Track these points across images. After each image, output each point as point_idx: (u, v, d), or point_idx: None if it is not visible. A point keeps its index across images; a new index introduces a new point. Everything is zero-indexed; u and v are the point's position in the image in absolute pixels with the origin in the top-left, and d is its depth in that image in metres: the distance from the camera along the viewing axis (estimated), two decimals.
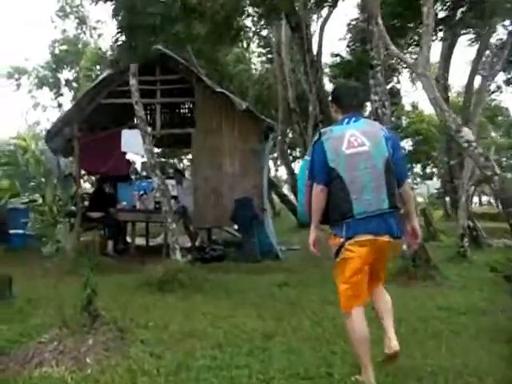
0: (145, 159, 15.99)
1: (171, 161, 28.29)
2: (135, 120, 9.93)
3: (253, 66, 28.66)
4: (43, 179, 5.66)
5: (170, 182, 13.42)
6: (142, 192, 13.08)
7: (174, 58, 12.28)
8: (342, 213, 4.26)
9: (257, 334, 5.94)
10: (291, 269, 10.74)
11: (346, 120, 4.49)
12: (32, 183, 5.73)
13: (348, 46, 20.23)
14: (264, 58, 28.23)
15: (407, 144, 39.73)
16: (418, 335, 6.00)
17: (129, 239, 13.80)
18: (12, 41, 74.31)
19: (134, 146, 11.75)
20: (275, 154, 27.72)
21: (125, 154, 13.14)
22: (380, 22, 8.98)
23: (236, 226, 12.51)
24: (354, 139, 4.32)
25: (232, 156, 12.35)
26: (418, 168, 44.09)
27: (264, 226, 12.10)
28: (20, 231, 13.58)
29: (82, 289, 5.82)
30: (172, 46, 11.39)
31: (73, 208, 11.93)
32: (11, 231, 13.63)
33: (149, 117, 15.36)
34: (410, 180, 5.29)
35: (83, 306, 5.59)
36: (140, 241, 14.56)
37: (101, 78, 12.25)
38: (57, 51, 36.65)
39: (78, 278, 8.98)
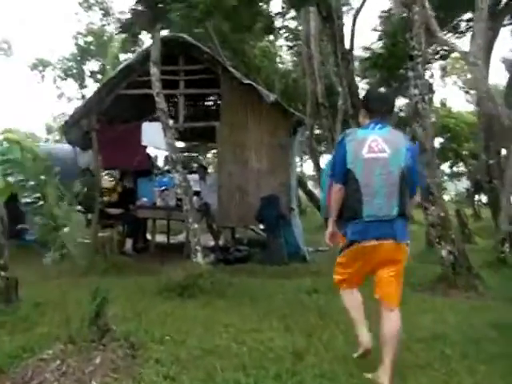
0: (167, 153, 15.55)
1: (194, 155, 27.66)
2: (156, 112, 9.30)
3: (279, 60, 27.95)
4: (43, 177, 5.01)
5: (193, 177, 12.95)
6: (163, 188, 12.46)
7: (199, 46, 11.66)
8: (353, 213, 4.49)
9: (285, 353, 5.27)
10: (320, 272, 10.02)
11: (372, 125, 4.63)
12: (31, 182, 5.06)
13: (380, 39, 19.42)
14: (292, 51, 27.46)
15: (436, 141, 38.80)
16: (469, 360, 5.21)
17: (149, 236, 13.20)
18: (38, 34, 74.46)
19: (155, 139, 11.15)
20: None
21: (145, 147, 12.49)
22: (427, 5, 8.21)
23: (261, 226, 11.82)
24: (375, 145, 4.48)
25: (258, 151, 11.68)
26: (445, 166, 43.10)
27: (291, 226, 11.42)
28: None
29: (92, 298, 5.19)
30: (195, 28, 10.70)
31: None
32: (22, 226, 13.05)
33: (171, 109, 14.80)
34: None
35: (91, 318, 4.92)
36: (161, 238, 13.93)
37: (121, 67, 11.60)
38: (81, 42, 36.34)
39: (92, 279, 8.64)
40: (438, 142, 38.84)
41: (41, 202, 4.96)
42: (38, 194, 5.00)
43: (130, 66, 11.37)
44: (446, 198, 43.13)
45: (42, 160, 5.02)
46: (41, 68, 39.14)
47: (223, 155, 11.76)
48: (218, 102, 14.13)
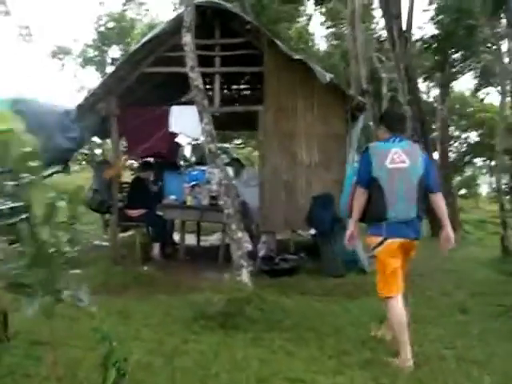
0: (197, 141, 13.63)
1: (225, 145, 25.88)
2: (188, 94, 7.51)
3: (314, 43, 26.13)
4: (30, 175, 3.04)
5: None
6: (193, 183, 10.63)
7: (239, 16, 9.77)
8: (378, 216, 5.14)
9: None
10: None
11: (393, 139, 5.34)
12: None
13: (432, 19, 17.40)
14: (329, 33, 25.55)
15: (472, 135, 37.02)
16: None
17: (176, 237, 11.36)
18: (59, 21, 73.51)
19: (186, 125, 9.27)
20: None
21: (174, 135, 10.53)
22: None
23: (312, 231, 9.88)
24: (397, 156, 5.17)
25: (309, 142, 9.78)
26: (480, 161, 41.34)
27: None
28: None
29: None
30: None
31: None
32: None
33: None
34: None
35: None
36: (190, 239, 12.16)
37: (145, 39, 9.70)
38: (102, 29, 35.18)
39: (107, 300, 6.82)
40: (474, 135, 37.17)
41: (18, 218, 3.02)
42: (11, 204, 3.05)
43: (157, 38, 9.49)
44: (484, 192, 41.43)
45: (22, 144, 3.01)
46: (61, 56, 38.40)
47: (267, 146, 9.82)
48: (259, 87, 12.23)
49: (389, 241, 5.10)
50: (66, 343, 5.19)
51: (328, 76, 9.25)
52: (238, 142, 31.72)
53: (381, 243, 5.14)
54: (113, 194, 9.78)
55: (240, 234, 7.01)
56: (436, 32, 16.17)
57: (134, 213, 10.29)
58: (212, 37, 9.90)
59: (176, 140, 11.72)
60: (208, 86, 10.58)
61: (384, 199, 5.07)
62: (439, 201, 5.33)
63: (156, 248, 10.27)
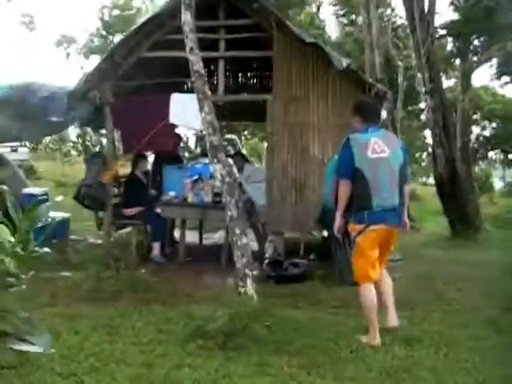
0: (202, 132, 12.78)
1: (230, 137, 24.95)
2: (191, 80, 6.68)
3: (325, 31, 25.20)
4: None
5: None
6: (195, 177, 9.74)
7: None
8: (364, 205, 5.34)
9: None
10: (411, 301, 7.35)
11: (369, 129, 5.56)
12: None
13: (452, 3, 16.43)
14: (341, 21, 24.60)
15: (489, 127, 36.12)
16: None
17: (177, 235, 10.53)
18: (63, 9, 72.98)
19: (186, 115, 8.39)
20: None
21: (174, 126, 9.61)
22: None
23: (325, 232, 8.97)
24: (377, 146, 5.36)
25: (323, 135, 8.87)
26: (496, 153, 40.49)
27: None
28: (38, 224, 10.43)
29: None
30: None
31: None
32: None
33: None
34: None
35: None
36: (192, 236, 11.32)
37: (143, 20, 8.83)
38: (106, 17, 34.48)
39: (94, 310, 6.47)
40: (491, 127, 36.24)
41: None
42: None
43: (156, 20, 8.61)
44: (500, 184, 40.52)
45: None
46: (65, 45, 37.87)
47: (275, 139, 8.93)
48: (267, 73, 11.34)
49: (371, 228, 5.36)
50: (41, 365, 4.61)
51: (345, 61, 8.37)
52: (246, 133, 30.88)
53: (362, 230, 5.41)
54: (107, 189, 8.93)
55: (245, 240, 6.16)
56: (456, 17, 15.20)
57: (131, 211, 9.46)
58: (216, 18, 9.01)
59: (176, 131, 10.84)
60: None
61: (369, 189, 5.28)
62: (407, 191, 5.84)
63: (156, 248, 9.45)
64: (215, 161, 6.23)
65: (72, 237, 11.40)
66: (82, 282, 7.64)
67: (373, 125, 5.65)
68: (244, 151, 20.09)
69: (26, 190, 10.59)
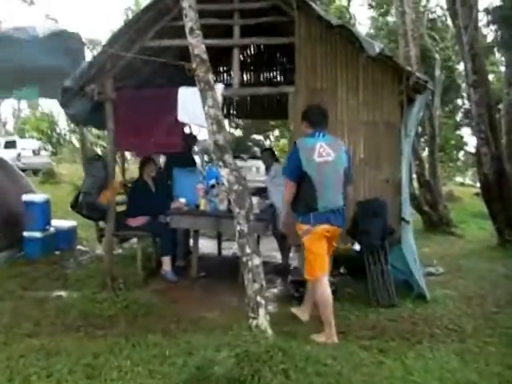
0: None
1: (256, 137, 23.68)
2: (188, 68, 5.58)
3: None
4: None
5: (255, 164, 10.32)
6: (211, 182, 8.64)
7: None
8: (310, 207, 5.64)
9: None
10: (453, 326, 6.24)
11: (317, 134, 5.90)
12: None
13: None
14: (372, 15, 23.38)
15: None
16: None
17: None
18: (88, 12, 72.91)
19: (195, 112, 7.22)
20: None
21: (182, 125, 8.47)
22: None
23: (357, 246, 7.77)
24: (323, 150, 5.71)
25: (354, 133, 7.67)
26: None
27: (402, 247, 7.46)
28: (36, 234, 9.50)
29: None
30: None
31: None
32: (25, 234, 9.54)
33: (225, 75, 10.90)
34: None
35: None
36: (209, 245, 10.55)
37: (146, 5, 7.71)
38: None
39: (84, 341, 5.57)
40: None
41: None
42: None
43: (160, 4, 7.51)
44: None
45: None
46: (90, 47, 37.38)
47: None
48: (288, 66, 10.20)
49: (316, 227, 5.65)
50: None
51: (377, 46, 7.18)
52: (276, 133, 29.81)
53: (308, 230, 5.68)
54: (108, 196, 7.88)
55: (257, 260, 5.02)
56: (499, 3, 13.90)
57: (136, 221, 8.40)
58: (230, 1, 7.89)
59: (190, 130, 9.73)
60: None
61: (314, 191, 5.59)
62: (351, 193, 6.28)
63: (166, 263, 8.33)
64: (221, 164, 5.11)
65: (79, 247, 10.44)
66: (73, 304, 6.62)
67: (320, 130, 5.95)
68: None
69: (26, 197, 9.64)
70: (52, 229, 10.03)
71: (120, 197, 9.05)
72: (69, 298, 7.06)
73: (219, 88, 7.58)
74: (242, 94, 8.73)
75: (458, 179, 41.97)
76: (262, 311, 4.91)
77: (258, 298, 4.93)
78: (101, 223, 8.37)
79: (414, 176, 14.03)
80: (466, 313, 6.76)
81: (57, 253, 9.79)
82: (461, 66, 25.36)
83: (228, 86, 8.44)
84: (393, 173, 7.57)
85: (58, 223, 10.39)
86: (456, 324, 6.29)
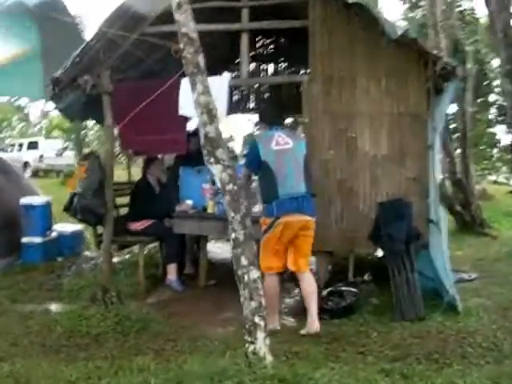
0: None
1: None
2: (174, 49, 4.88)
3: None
4: None
5: None
6: None
7: None
8: (271, 195, 5.59)
9: None
10: (488, 344, 5.38)
11: (273, 128, 5.99)
12: None
13: None
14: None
15: None
16: None
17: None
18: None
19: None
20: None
21: (186, 120, 7.71)
22: None
23: (380, 252, 6.95)
24: (281, 139, 5.78)
25: (374, 125, 6.89)
26: None
27: (430, 252, 6.65)
28: (36, 239, 8.90)
29: None
30: None
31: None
32: (24, 239, 8.92)
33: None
34: None
35: None
36: (221, 249, 9.97)
37: None
38: None
39: (59, 367, 4.79)
40: None
41: None
42: None
43: None
44: None
45: None
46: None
47: (314, 131, 7.02)
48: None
49: (280, 220, 5.54)
50: None
51: (398, 29, 6.39)
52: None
53: (272, 225, 5.57)
54: (106, 198, 7.19)
55: (255, 274, 4.26)
56: None
57: (138, 225, 7.69)
58: None
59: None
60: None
61: (275, 179, 5.57)
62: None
63: (171, 272, 7.62)
64: (212, 160, 4.35)
65: (86, 253, 9.78)
66: (59, 320, 5.93)
67: (276, 127, 6.04)
68: None
69: (24, 200, 9.01)
70: (54, 233, 9.40)
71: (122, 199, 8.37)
72: (57, 312, 6.39)
73: (226, 77, 6.96)
74: (251, 84, 7.97)
75: (491, 177, 40.77)
76: (260, 334, 4.15)
77: (256, 319, 4.17)
78: (100, 228, 7.69)
79: (445, 175, 13.16)
80: (503, 327, 5.89)
81: (59, 259, 9.19)
82: (494, 62, 24.49)
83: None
84: (419, 170, 6.78)
85: (61, 227, 9.75)
86: (491, 341, 5.44)
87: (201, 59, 4.47)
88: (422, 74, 6.77)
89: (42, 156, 28.53)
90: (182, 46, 4.49)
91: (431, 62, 6.61)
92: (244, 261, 4.24)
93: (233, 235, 4.30)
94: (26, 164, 27.92)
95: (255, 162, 5.77)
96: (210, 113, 4.39)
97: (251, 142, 6.16)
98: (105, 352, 5.16)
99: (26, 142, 31.26)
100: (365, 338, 5.56)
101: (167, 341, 5.50)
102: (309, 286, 5.82)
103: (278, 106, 10.94)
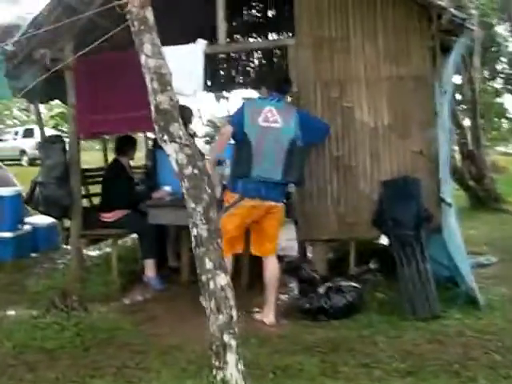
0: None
1: None
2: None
3: None
4: None
5: None
6: None
7: None
8: (243, 172, 5.23)
9: None
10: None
11: (270, 98, 5.46)
12: None
13: None
14: None
15: None
16: None
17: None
18: None
19: (183, 76, 5.60)
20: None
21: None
22: None
23: (385, 239, 6.07)
24: (271, 115, 5.27)
25: (374, 92, 6.07)
26: None
27: (443, 237, 5.74)
28: (5, 234, 8.13)
29: None
30: None
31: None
32: None
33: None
34: None
35: None
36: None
37: None
38: None
39: None
40: None
41: None
42: None
43: None
44: None
45: None
46: None
47: (304, 101, 6.19)
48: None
49: (243, 202, 5.25)
50: None
51: None
52: None
53: (235, 203, 5.27)
54: (72, 187, 6.35)
55: (223, 281, 3.39)
56: None
57: (110, 216, 6.83)
58: None
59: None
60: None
61: (251, 156, 5.20)
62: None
63: (149, 268, 6.78)
64: (166, 138, 3.46)
65: (65, 247, 8.92)
66: (11, 332, 5.09)
67: (276, 93, 5.51)
68: None
69: None
70: (27, 227, 8.58)
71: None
72: (11, 321, 5.54)
73: (201, 44, 6.10)
74: (230, 50, 7.09)
75: (500, 148, 39.97)
76: (231, 358, 3.28)
77: (226, 338, 3.30)
78: (67, 221, 6.87)
79: (455, 147, 12.33)
80: None
81: (33, 255, 8.38)
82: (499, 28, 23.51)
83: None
84: (427, 142, 5.93)
85: (36, 220, 8.92)
86: None
87: (149, 14, 3.57)
88: (424, 31, 5.97)
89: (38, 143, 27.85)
90: None
91: (435, 16, 5.72)
92: (208, 263, 3.37)
93: (194, 231, 3.42)
94: (22, 152, 27.32)
95: (238, 122, 5.31)
96: (161, 79, 3.49)
97: (240, 107, 5.45)
98: (56, 372, 4.29)
99: (21, 129, 30.54)
100: (370, 346, 4.69)
101: (134, 354, 4.63)
102: (273, 271, 5.49)
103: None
